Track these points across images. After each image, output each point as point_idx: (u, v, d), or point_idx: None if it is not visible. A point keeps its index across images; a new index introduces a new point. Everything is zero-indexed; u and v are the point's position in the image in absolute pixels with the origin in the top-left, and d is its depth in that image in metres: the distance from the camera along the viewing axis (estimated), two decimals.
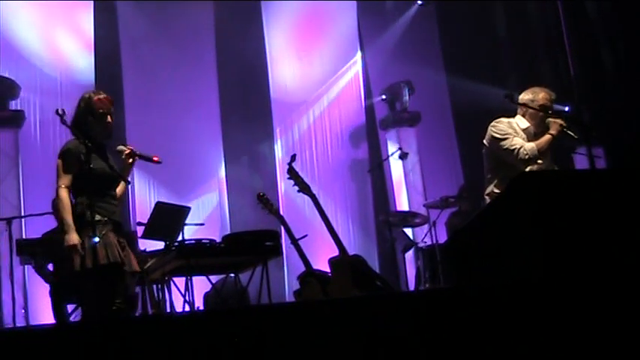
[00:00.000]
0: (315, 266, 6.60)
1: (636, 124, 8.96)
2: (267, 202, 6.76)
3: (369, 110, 11.15)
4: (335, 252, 6.51)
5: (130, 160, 5.17)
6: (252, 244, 6.73)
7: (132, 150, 5.19)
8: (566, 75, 9.67)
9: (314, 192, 6.76)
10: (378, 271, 9.14)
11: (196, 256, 6.51)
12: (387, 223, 9.29)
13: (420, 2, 11.32)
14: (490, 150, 5.77)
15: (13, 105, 9.53)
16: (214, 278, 7.46)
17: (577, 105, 9.42)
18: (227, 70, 10.58)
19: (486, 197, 5.73)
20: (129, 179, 5.25)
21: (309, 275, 6.44)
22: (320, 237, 7.50)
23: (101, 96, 5.13)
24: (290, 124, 10.88)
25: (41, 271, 7.44)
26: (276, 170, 10.53)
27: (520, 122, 5.77)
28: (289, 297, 9.26)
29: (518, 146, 5.58)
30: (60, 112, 4.91)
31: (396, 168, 10.75)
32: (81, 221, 4.87)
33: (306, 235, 6.83)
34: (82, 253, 4.78)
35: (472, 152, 5.98)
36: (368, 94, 11.16)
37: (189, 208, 7.72)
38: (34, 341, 3.23)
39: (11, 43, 9.60)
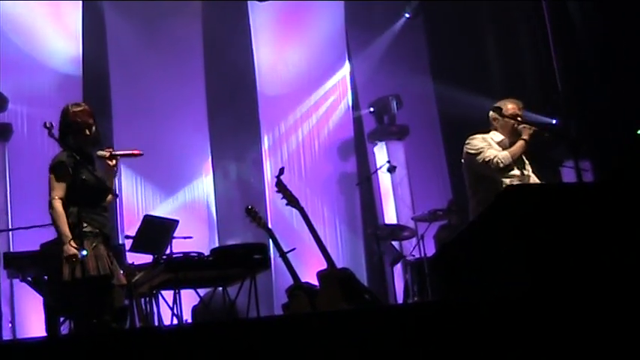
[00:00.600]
0: (304, 279, 6.60)
1: (623, 135, 8.99)
2: (255, 216, 6.76)
3: (358, 123, 11.16)
4: (323, 265, 6.52)
5: (113, 162, 5.20)
6: (241, 258, 6.73)
7: (111, 152, 5.23)
8: (553, 88, 9.74)
9: (302, 205, 6.77)
10: (366, 284, 9.12)
11: (184, 269, 6.52)
12: (376, 236, 9.30)
13: (407, 15, 11.37)
14: (467, 166, 5.85)
15: (1, 117, 9.49)
16: (202, 291, 7.45)
17: (564, 118, 9.48)
18: (215, 77, 10.56)
19: (471, 214, 5.79)
20: (116, 192, 5.26)
21: (298, 288, 6.45)
22: (308, 250, 7.50)
23: (78, 108, 5.17)
24: (279, 136, 10.87)
25: (38, 285, 7.38)
26: (264, 183, 10.51)
27: (494, 136, 5.87)
28: (277, 310, 9.24)
29: (492, 157, 5.67)
30: (48, 125, 4.93)
31: (385, 181, 10.75)
32: (73, 232, 4.91)
33: (294, 249, 6.84)
34: (79, 262, 4.79)
35: (460, 166, 6.03)
36: (356, 105, 11.18)
37: (177, 222, 7.70)
38: (20, 355, 3.22)
39: None
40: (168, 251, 7.36)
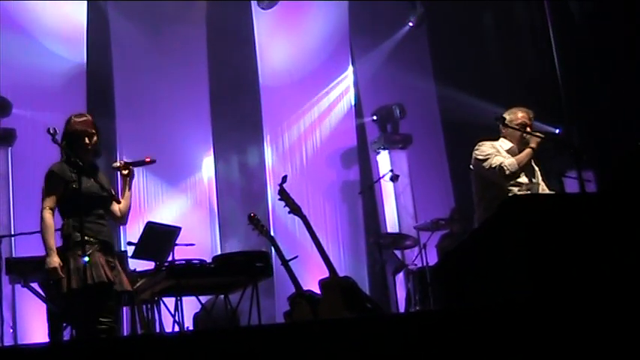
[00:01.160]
0: (306, 287, 6.59)
1: (624, 144, 8.99)
2: (257, 224, 6.77)
3: (361, 131, 11.16)
4: (325, 273, 6.51)
5: (126, 172, 5.28)
6: (243, 265, 6.72)
7: (124, 163, 5.35)
8: (556, 96, 9.75)
9: (305, 213, 6.77)
10: (368, 292, 9.11)
11: (186, 276, 6.52)
12: (378, 245, 9.29)
13: (411, 24, 11.39)
14: (476, 172, 5.85)
15: (5, 122, 9.49)
16: (204, 299, 7.43)
17: (567, 125, 9.48)
18: (218, 80, 10.55)
19: (476, 222, 5.79)
20: (119, 198, 5.29)
21: (299, 296, 6.44)
22: (310, 258, 7.49)
23: (80, 118, 5.23)
24: (281, 143, 10.85)
25: (43, 290, 7.37)
26: (266, 189, 10.50)
27: (503, 144, 5.87)
28: (279, 318, 9.22)
29: (499, 163, 5.67)
30: (52, 130, 4.99)
31: (387, 190, 10.75)
32: (67, 242, 4.98)
33: (296, 257, 6.84)
34: (62, 276, 4.86)
35: (463, 175, 6.05)
36: (359, 112, 11.18)
37: (179, 229, 7.69)
38: None
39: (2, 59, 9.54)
40: (170, 258, 7.36)
